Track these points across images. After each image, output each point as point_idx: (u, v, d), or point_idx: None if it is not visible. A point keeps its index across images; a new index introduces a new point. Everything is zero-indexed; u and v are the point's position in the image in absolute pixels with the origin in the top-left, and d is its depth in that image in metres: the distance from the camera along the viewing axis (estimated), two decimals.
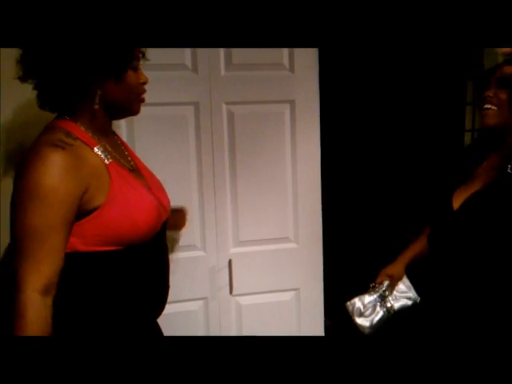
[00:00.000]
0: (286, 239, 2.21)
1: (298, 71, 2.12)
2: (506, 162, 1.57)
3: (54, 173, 1.17)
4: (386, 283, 1.78)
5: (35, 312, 1.16)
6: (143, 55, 1.37)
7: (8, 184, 1.72)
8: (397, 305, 1.76)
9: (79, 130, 1.29)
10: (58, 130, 1.26)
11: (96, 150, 1.28)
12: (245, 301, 2.19)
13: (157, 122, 2.00)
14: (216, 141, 2.08)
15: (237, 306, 2.19)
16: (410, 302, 1.76)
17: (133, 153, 1.53)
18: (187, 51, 2.00)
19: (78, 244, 1.24)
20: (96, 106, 1.29)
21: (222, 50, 2.04)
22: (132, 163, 1.43)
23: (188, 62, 2.02)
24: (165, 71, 1.97)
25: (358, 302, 1.79)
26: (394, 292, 1.76)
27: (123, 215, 1.26)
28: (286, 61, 2.13)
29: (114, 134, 1.46)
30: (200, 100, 2.04)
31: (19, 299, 1.16)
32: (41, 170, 1.17)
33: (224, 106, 2.07)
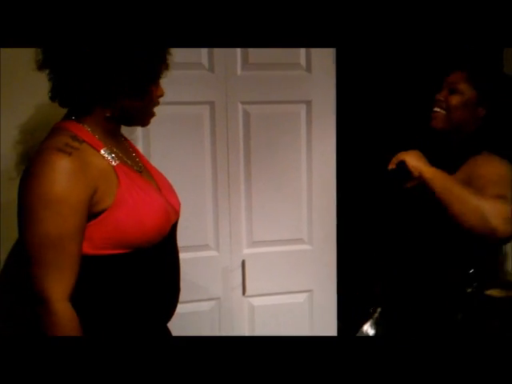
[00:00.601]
0: (299, 240, 2.19)
1: (315, 71, 2.10)
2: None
3: (64, 180, 1.16)
4: (378, 310, 1.88)
5: (68, 320, 1.19)
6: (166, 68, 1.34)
7: (8, 186, 1.74)
8: None
9: (85, 132, 1.27)
10: (64, 133, 1.24)
11: (103, 152, 1.27)
12: (258, 302, 2.17)
13: (172, 121, 1.99)
14: (231, 140, 2.07)
15: (249, 307, 2.17)
16: None
17: (141, 154, 1.52)
18: (204, 50, 1.99)
19: (86, 247, 1.23)
20: (108, 114, 1.28)
21: (238, 50, 2.02)
22: (140, 164, 1.41)
23: (204, 61, 2.00)
24: (181, 70, 1.95)
25: (365, 331, 1.90)
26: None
27: (131, 218, 1.24)
28: (302, 61, 2.11)
29: (121, 136, 1.45)
30: (216, 99, 2.03)
31: (49, 311, 1.17)
32: (50, 177, 1.16)
33: (240, 106, 2.06)
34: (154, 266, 1.34)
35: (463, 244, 1.59)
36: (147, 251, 1.30)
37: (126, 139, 1.48)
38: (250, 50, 2.02)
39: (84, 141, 1.24)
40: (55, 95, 1.29)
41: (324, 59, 2.11)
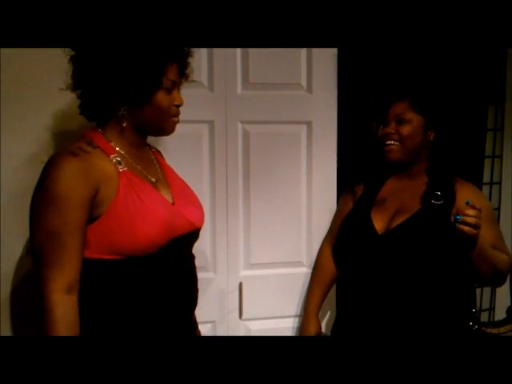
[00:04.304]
0: (298, 263, 2.15)
1: (316, 92, 2.09)
2: (427, 192, 1.70)
3: (66, 177, 1.23)
4: None
5: (62, 312, 1.22)
6: (183, 76, 1.43)
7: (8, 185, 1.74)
8: None
9: (101, 138, 1.36)
10: (83, 139, 1.34)
11: (112, 157, 1.33)
12: (254, 326, 2.13)
13: (170, 140, 1.94)
14: (230, 160, 2.04)
15: (246, 330, 2.13)
16: None
17: (168, 168, 1.54)
18: (204, 68, 1.98)
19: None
20: (124, 124, 1.35)
21: (238, 69, 2.01)
22: (159, 176, 1.45)
23: (204, 79, 1.99)
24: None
25: None
26: None
27: (122, 227, 1.27)
28: (303, 81, 2.10)
29: (147, 146, 1.52)
30: (215, 118, 2.01)
31: (45, 303, 1.21)
32: (53, 175, 1.23)
33: (239, 125, 2.04)
34: (152, 275, 1.35)
35: (467, 284, 1.73)
36: (143, 260, 1.31)
37: (154, 151, 1.56)
38: (251, 68, 2.02)
39: (98, 146, 1.33)
40: (83, 111, 1.40)
41: (325, 80, 2.10)
